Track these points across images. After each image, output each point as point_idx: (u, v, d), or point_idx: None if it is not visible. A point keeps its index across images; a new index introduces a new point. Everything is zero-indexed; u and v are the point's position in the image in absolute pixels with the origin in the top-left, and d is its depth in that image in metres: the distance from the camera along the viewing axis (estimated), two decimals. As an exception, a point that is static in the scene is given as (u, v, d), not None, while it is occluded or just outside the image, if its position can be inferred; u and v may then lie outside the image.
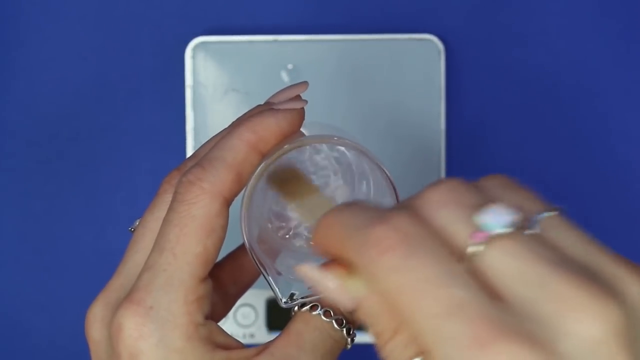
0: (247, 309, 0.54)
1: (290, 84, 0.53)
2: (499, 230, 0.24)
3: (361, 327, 0.52)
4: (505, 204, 0.24)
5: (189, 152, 0.53)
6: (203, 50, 0.53)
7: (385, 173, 0.32)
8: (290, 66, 0.53)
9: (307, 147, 0.34)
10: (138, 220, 0.35)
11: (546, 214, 0.25)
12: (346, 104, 0.53)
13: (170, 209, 0.32)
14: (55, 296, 0.55)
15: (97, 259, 0.55)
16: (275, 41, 0.53)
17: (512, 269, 0.23)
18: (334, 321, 0.33)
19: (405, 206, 0.26)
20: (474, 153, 0.55)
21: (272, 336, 0.56)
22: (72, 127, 0.55)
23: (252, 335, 0.54)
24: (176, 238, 0.31)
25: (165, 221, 0.32)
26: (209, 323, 0.32)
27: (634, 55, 0.55)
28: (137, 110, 0.55)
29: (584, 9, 0.54)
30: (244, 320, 0.54)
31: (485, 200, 0.25)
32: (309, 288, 0.32)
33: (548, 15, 0.55)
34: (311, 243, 0.29)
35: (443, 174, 0.53)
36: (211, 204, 0.32)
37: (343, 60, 0.53)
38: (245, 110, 0.53)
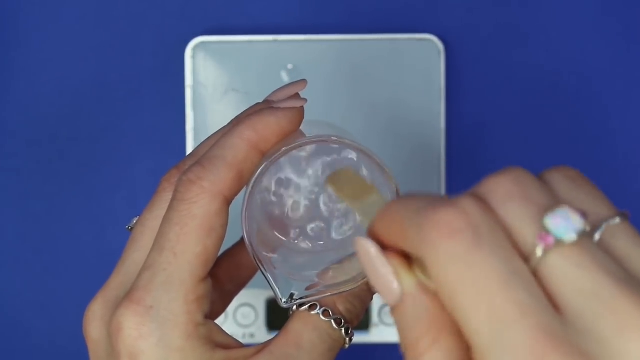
0: (247, 309, 0.54)
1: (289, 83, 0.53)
2: (567, 236, 0.23)
3: (361, 327, 0.52)
4: (576, 208, 0.23)
5: (189, 152, 0.53)
6: (203, 50, 0.53)
7: (387, 172, 0.32)
8: (290, 66, 0.53)
9: (307, 147, 0.34)
10: (135, 219, 0.35)
11: (614, 221, 0.24)
12: (346, 103, 0.53)
13: (170, 207, 0.32)
14: (55, 296, 0.55)
15: (97, 258, 0.55)
16: (275, 41, 0.53)
17: (575, 279, 0.22)
18: (332, 321, 0.33)
19: (470, 194, 0.24)
20: (474, 152, 0.55)
21: (272, 336, 0.56)
22: (72, 127, 0.55)
23: (252, 335, 0.54)
24: (176, 237, 0.31)
25: (165, 220, 0.32)
26: (209, 322, 0.32)
27: (634, 55, 0.55)
28: (137, 110, 0.55)
29: (584, 9, 0.54)
30: (244, 320, 0.54)
31: (554, 199, 0.24)
32: (311, 288, 0.32)
33: (548, 15, 0.55)
34: (367, 234, 0.27)
35: (443, 173, 0.53)
36: (211, 203, 0.31)
37: (343, 60, 0.53)
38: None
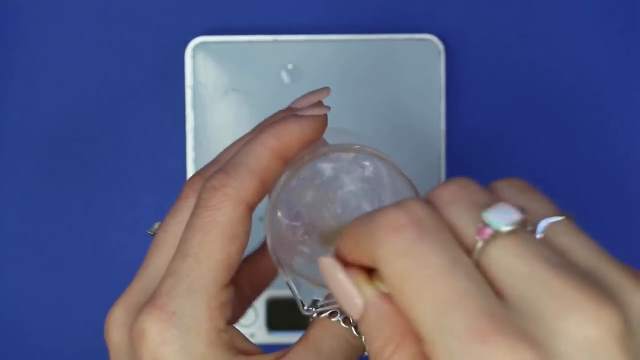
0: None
1: (289, 83, 0.53)
2: (504, 227, 0.24)
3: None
4: (511, 203, 0.25)
5: (189, 152, 0.53)
6: (203, 50, 0.53)
7: (408, 180, 0.32)
8: (290, 66, 0.53)
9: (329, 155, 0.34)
10: (157, 224, 0.35)
11: (554, 218, 0.25)
12: (346, 103, 0.53)
13: (194, 214, 0.32)
14: (55, 296, 0.55)
15: (97, 258, 0.55)
16: (275, 41, 0.53)
17: (515, 266, 0.24)
18: (353, 328, 0.33)
19: (417, 198, 0.26)
20: (474, 153, 0.55)
21: (272, 336, 0.56)
22: (72, 127, 0.55)
23: (252, 335, 0.54)
24: (199, 244, 0.31)
25: (189, 226, 0.32)
26: (231, 329, 0.32)
27: (634, 55, 0.55)
28: (137, 110, 0.55)
29: (584, 9, 0.54)
30: (244, 320, 0.54)
31: (495, 200, 0.25)
32: (331, 296, 0.32)
33: (548, 15, 0.55)
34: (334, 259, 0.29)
35: (443, 173, 0.53)
36: (235, 210, 0.31)
37: (343, 60, 0.53)
38: (245, 110, 0.53)
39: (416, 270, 0.24)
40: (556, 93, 0.55)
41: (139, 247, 0.35)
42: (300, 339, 0.33)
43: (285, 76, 0.53)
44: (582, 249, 0.25)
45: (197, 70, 0.53)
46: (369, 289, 0.27)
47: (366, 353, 0.33)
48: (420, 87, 0.53)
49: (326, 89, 0.35)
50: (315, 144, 0.34)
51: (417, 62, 0.53)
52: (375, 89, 0.53)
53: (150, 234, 0.36)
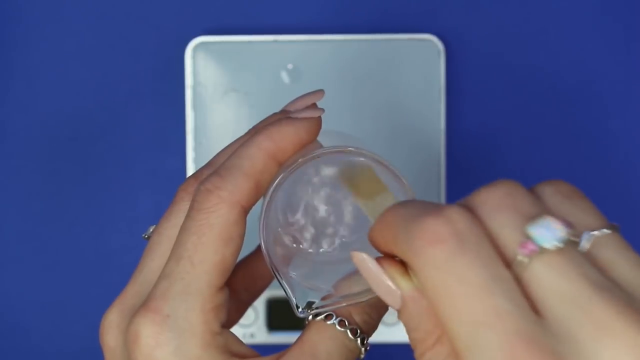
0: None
1: (289, 83, 0.53)
2: (549, 244, 0.24)
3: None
4: (560, 218, 0.24)
5: (189, 152, 0.53)
6: (203, 50, 0.53)
7: (404, 183, 0.32)
8: (290, 66, 0.53)
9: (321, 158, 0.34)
10: (152, 227, 0.35)
11: (600, 232, 0.25)
12: (346, 103, 0.53)
13: (188, 217, 0.32)
14: (55, 296, 0.55)
15: (96, 258, 0.55)
16: (275, 41, 0.53)
17: (556, 285, 0.23)
18: (348, 331, 0.32)
19: (460, 204, 0.25)
20: (474, 153, 0.55)
21: (272, 336, 0.56)
22: (72, 127, 0.55)
23: (252, 335, 0.54)
24: (194, 246, 0.31)
25: (183, 229, 0.32)
26: (225, 332, 0.32)
27: (634, 55, 0.55)
28: (137, 110, 0.55)
29: (584, 9, 0.54)
30: (244, 320, 0.54)
31: (541, 210, 0.25)
32: (327, 298, 0.32)
33: (548, 15, 0.55)
34: (368, 239, 0.29)
35: (443, 174, 0.53)
36: (229, 212, 0.31)
37: (343, 60, 0.53)
38: (245, 110, 0.53)
39: (454, 285, 0.23)
40: (556, 93, 0.55)
41: (139, 247, 0.36)
42: (296, 342, 0.33)
43: (285, 76, 0.53)
44: (625, 265, 0.24)
45: (197, 70, 0.53)
46: (405, 284, 0.27)
47: (362, 356, 0.33)
48: (420, 87, 0.53)
49: (320, 92, 0.35)
50: (309, 146, 0.33)
51: (417, 62, 0.53)
52: (375, 89, 0.53)
53: (145, 237, 0.36)
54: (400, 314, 0.27)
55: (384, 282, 0.27)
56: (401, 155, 0.53)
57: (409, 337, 0.27)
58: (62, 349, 0.56)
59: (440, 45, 0.53)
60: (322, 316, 0.32)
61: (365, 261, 0.27)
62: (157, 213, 0.55)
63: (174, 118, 0.54)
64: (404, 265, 0.27)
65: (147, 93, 0.55)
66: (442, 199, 0.53)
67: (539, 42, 0.55)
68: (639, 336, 0.22)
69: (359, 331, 0.33)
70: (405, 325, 0.27)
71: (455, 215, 0.24)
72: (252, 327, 0.54)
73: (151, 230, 0.35)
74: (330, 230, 0.35)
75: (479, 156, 0.55)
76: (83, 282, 0.55)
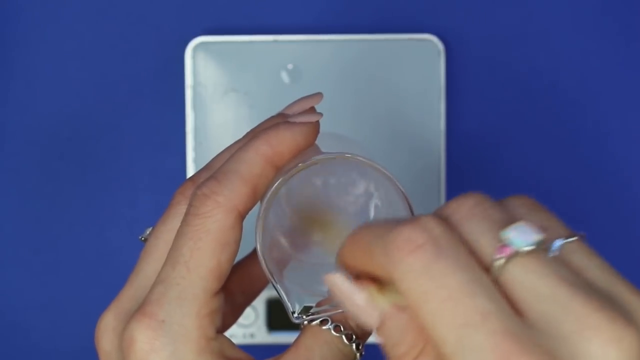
0: (247, 309, 0.54)
1: (289, 83, 0.53)
2: (525, 247, 0.24)
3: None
4: (531, 223, 0.25)
5: (189, 152, 0.53)
6: (203, 50, 0.53)
7: (401, 190, 0.32)
8: (290, 66, 0.53)
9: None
10: (149, 229, 0.35)
11: (569, 239, 0.25)
12: (346, 103, 0.53)
13: (184, 221, 0.32)
14: (55, 296, 0.55)
15: (97, 258, 0.55)
16: (275, 41, 0.53)
17: (536, 286, 0.24)
18: (343, 336, 0.32)
19: (433, 215, 0.26)
20: (473, 153, 0.55)
21: (272, 336, 0.56)
22: (72, 127, 0.55)
23: (252, 335, 0.54)
24: (190, 252, 0.31)
25: (179, 234, 0.32)
26: (221, 337, 0.32)
27: (634, 55, 0.55)
28: (137, 110, 0.55)
29: (584, 10, 0.54)
30: (244, 320, 0.54)
31: (511, 218, 0.25)
32: (322, 303, 0.32)
33: (548, 15, 0.55)
34: (337, 264, 0.29)
35: (443, 174, 0.53)
36: (226, 218, 0.31)
37: (343, 60, 0.53)
38: (245, 110, 0.53)
39: (436, 290, 0.23)
40: (556, 93, 0.55)
41: (139, 247, 0.36)
42: (291, 346, 0.33)
43: (285, 76, 0.53)
44: (596, 268, 0.25)
45: (197, 70, 0.53)
46: (382, 301, 0.27)
47: None
48: (420, 87, 0.53)
49: (319, 95, 0.35)
50: (307, 150, 0.33)
51: (417, 62, 0.53)
52: (375, 89, 0.53)
53: (142, 239, 0.36)
54: (378, 331, 0.27)
55: (360, 301, 0.27)
56: (401, 155, 0.53)
57: (390, 355, 0.27)
58: (62, 348, 0.56)
59: (440, 45, 0.53)
60: (318, 321, 0.33)
61: (338, 283, 0.27)
62: (157, 213, 0.55)
63: (174, 118, 0.54)
64: (378, 283, 0.27)
65: (147, 93, 0.55)
66: (442, 199, 0.53)
67: (539, 43, 0.55)
68: (620, 329, 0.22)
69: (354, 336, 0.33)
70: (385, 342, 0.27)
71: (430, 222, 0.25)
72: (252, 327, 0.54)
73: (148, 232, 0.35)
74: (326, 235, 0.35)
75: (478, 156, 0.55)
76: (83, 282, 0.55)
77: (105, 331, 0.33)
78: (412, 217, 0.25)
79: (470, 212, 0.25)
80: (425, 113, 0.53)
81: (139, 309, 0.31)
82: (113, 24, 0.55)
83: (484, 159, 0.55)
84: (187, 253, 0.31)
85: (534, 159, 0.55)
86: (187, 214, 0.32)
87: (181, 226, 0.32)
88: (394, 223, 0.25)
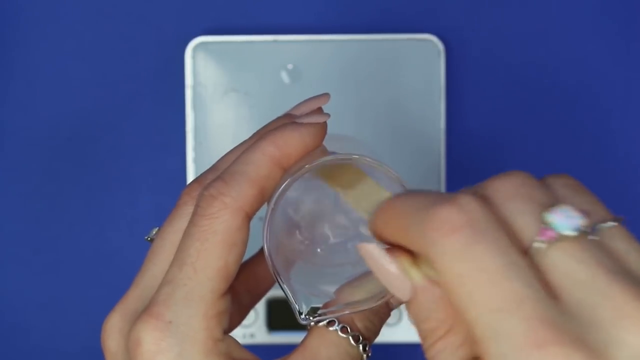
0: (247, 309, 0.54)
1: (289, 83, 0.53)
2: (568, 232, 0.24)
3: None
4: (575, 207, 0.25)
5: (189, 152, 0.53)
6: (203, 50, 0.53)
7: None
8: (290, 66, 0.53)
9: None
10: (155, 229, 0.35)
11: (610, 223, 0.25)
12: (346, 103, 0.53)
13: (191, 222, 0.32)
14: (55, 296, 0.55)
15: (97, 258, 0.55)
16: (275, 41, 0.53)
17: (575, 272, 0.23)
18: (350, 337, 0.32)
19: (473, 192, 0.25)
20: (474, 153, 0.55)
21: (272, 336, 0.56)
22: (72, 127, 0.55)
23: (252, 335, 0.54)
24: (197, 252, 0.31)
25: (186, 235, 0.32)
26: (227, 338, 0.32)
27: (634, 54, 0.55)
28: (137, 110, 0.55)
29: (584, 9, 0.54)
30: (245, 320, 0.54)
31: (554, 200, 0.25)
32: (329, 304, 0.32)
33: (548, 15, 0.55)
34: (368, 230, 0.28)
35: (443, 174, 0.53)
36: (233, 218, 0.31)
37: (343, 60, 0.53)
38: (245, 110, 0.53)
39: (472, 273, 0.23)
40: (556, 93, 0.55)
41: (139, 247, 0.35)
42: (298, 348, 0.33)
43: (285, 76, 0.53)
44: (636, 254, 0.25)
45: (197, 70, 0.53)
46: (416, 274, 0.26)
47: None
48: (420, 87, 0.53)
49: (326, 95, 0.35)
50: (315, 151, 0.33)
51: (417, 62, 0.53)
52: (376, 89, 0.53)
53: (148, 239, 0.35)
54: (409, 305, 0.27)
55: (393, 273, 0.27)
56: (401, 155, 0.53)
57: (418, 329, 0.26)
58: (62, 348, 0.56)
59: (440, 45, 0.53)
60: (324, 322, 0.32)
61: (373, 253, 0.27)
62: (157, 213, 0.55)
63: (174, 118, 0.54)
64: (412, 254, 0.27)
65: (147, 93, 0.55)
66: (442, 199, 0.53)
67: (539, 42, 0.55)
68: None
69: (361, 338, 0.33)
70: (415, 316, 0.27)
71: (469, 203, 0.24)
72: (252, 327, 0.54)
73: (154, 232, 0.35)
74: (333, 236, 0.35)
75: (479, 156, 0.55)
76: (83, 282, 0.55)
77: (111, 332, 0.33)
78: (451, 195, 0.25)
79: (513, 192, 0.25)
80: (426, 113, 0.53)
81: (146, 309, 0.31)
82: (113, 24, 0.55)
83: (484, 158, 0.55)
84: (194, 254, 0.31)
85: (535, 158, 0.55)
86: (194, 214, 0.32)
87: (188, 227, 0.32)
88: (432, 199, 0.25)
